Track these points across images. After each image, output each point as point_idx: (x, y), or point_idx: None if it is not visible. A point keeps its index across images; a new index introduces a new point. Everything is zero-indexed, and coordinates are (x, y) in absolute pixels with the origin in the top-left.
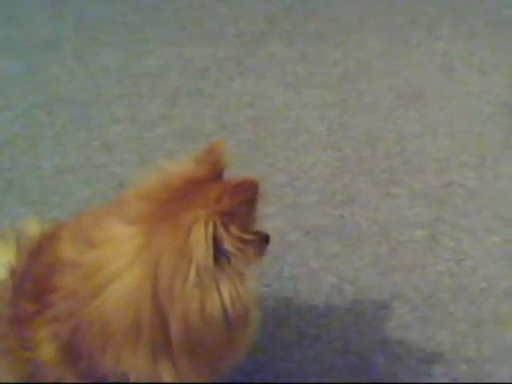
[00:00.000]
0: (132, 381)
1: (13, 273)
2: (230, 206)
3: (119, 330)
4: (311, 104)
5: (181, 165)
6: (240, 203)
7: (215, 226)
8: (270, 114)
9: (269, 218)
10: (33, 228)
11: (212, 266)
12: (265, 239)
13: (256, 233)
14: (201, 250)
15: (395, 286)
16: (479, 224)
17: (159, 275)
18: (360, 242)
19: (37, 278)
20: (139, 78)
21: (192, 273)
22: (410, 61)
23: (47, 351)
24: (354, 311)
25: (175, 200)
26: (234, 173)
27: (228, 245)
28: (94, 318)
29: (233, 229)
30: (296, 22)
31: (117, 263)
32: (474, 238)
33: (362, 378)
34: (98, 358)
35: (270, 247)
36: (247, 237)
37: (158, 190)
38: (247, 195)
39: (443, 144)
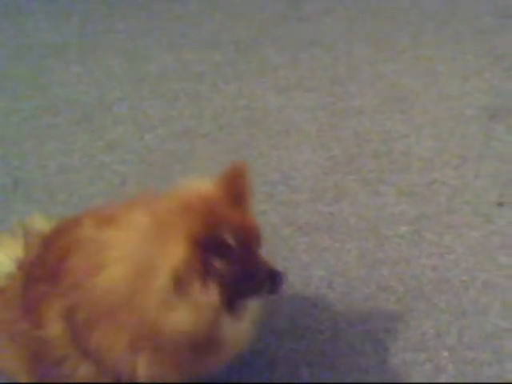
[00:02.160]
0: (109, 363)
1: (21, 265)
2: (222, 238)
3: (105, 312)
4: (303, 106)
5: (205, 183)
6: (234, 240)
7: (191, 252)
8: (264, 116)
9: (263, 214)
10: (39, 224)
11: (170, 289)
12: (269, 277)
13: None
14: (163, 271)
15: (382, 278)
16: (460, 220)
17: (139, 279)
18: (349, 237)
19: (51, 262)
20: (140, 81)
21: (154, 290)
22: (397, 66)
23: (55, 329)
24: (343, 302)
25: (185, 215)
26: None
27: (192, 273)
28: (86, 296)
29: (214, 260)
30: (288, 29)
31: (112, 254)
32: (456, 233)
33: (352, 365)
34: (88, 337)
35: (264, 241)
36: (225, 272)
37: (177, 202)
38: (244, 236)
39: (427, 145)
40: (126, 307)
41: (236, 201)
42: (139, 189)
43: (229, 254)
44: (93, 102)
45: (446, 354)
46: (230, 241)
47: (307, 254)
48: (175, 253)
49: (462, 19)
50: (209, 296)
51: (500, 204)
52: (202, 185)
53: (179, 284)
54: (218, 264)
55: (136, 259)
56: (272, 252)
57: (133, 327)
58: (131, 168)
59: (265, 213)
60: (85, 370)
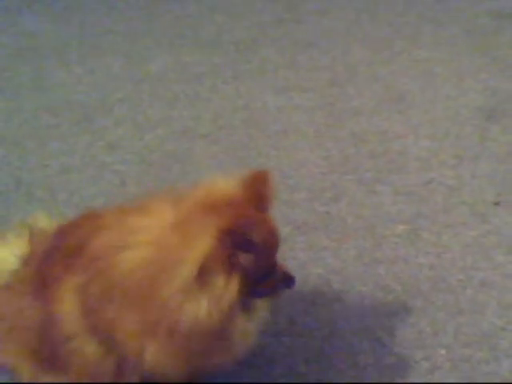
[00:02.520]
0: (117, 344)
1: (25, 262)
2: (249, 236)
3: (122, 292)
4: (301, 107)
5: (230, 184)
6: (259, 240)
7: (219, 245)
8: (263, 117)
9: None
10: (42, 222)
11: (193, 278)
12: (283, 280)
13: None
14: (186, 267)
15: (379, 277)
16: (457, 219)
17: (161, 266)
18: (346, 236)
19: (68, 248)
20: (140, 82)
21: (177, 280)
22: (394, 67)
23: (66, 304)
24: (341, 300)
25: (213, 211)
26: (231, 171)
27: (213, 263)
28: (105, 273)
29: (239, 255)
30: (287, 30)
31: (137, 237)
32: (453, 232)
33: (349, 363)
34: (102, 312)
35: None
36: (243, 265)
37: (205, 198)
38: (267, 237)
39: (424, 145)
40: (144, 289)
41: (259, 204)
42: (139, 188)
43: (253, 252)
44: (93, 103)
45: (442, 351)
46: (256, 239)
47: (305, 253)
48: (203, 244)
49: (458, 21)
50: (230, 289)
51: (496, 203)
52: (227, 184)
53: (203, 274)
54: (242, 259)
55: (161, 245)
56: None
57: (148, 311)
58: (131, 168)
59: None
60: (91, 349)
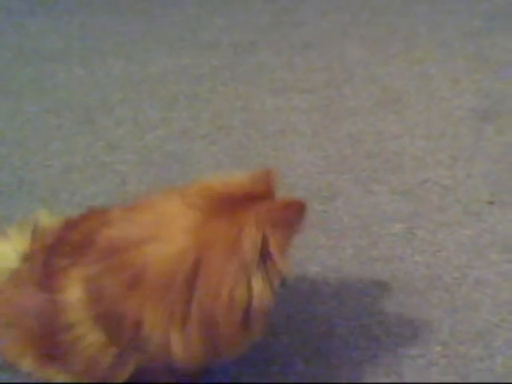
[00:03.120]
0: (143, 332)
1: (26, 258)
2: (280, 218)
3: (149, 284)
4: (298, 108)
5: (239, 178)
6: (288, 218)
7: (264, 231)
8: (261, 117)
9: None
10: (44, 219)
11: (255, 263)
12: None
13: None
14: (249, 246)
15: (375, 275)
16: (452, 218)
17: (205, 255)
18: (343, 234)
19: (77, 239)
20: (140, 83)
21: (236, 263)
22: (390, 68)
23: (72, 293)
24: (338, 298)
25: (233, 202)
26: (230, 171)
27: (272, 249)
28: (129, 264)
29: (278, 237)
30: (284, 32)
31: (166, 230)
32: (448, 231)
33: (345, 359)
34: (120, 301)
35: None
36: (286, 247)
37: (219, 191)
38: (295, 213)
39: (420, 145)
40: (177, 281)
41: (270, 195)
42: (139, 187)
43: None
44: (95, 104)
45: (438, 348)
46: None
47: (302, 251)
48: (248, 234)
49: (452, 23)
50: (279, 271)
51: (491, 202)
52: (239, 178)
53: (263, 258)
54: (280, 240)
55: (200, 236)
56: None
57: (178, 303)
58: (132, 168)
59: None
60: (93, 338)
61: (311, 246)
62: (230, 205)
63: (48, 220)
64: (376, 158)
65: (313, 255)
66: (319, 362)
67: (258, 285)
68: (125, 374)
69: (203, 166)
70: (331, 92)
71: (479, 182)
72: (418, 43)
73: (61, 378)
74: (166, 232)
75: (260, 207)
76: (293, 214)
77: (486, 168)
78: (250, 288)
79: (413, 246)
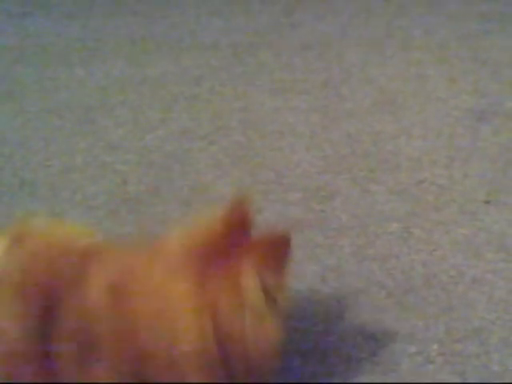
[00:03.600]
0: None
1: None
2: (270, 257)
3: (184, 366)
4: (296, 108)
5: (213, 221)
6: (278, 255)
7: (260, 273)
8: (259, 118)
9: (258, 211)
10: (39, 223)
11: (264, 306)
12: None
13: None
14: (254, 294)
15: (373, 273)
16: (448, 217)
17: (219, 318)
18: (341, 233)
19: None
20: (140, 85)
21: (248, 313)
22: (387, 70)
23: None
24: (335, 296)
25: (217, 254)
26: (229, 172)
27: (270, 288)
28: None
29: (272, 275)
30: (283, 34)
31: (172, 312)
32: (444, 230)
33: (343, 357)
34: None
35: None
36: (283, 282)
37: (197, 245)
38: (283, 248)
39: (416, 145)
40: (210, 353)
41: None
42: (139, 187)
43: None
44: (95, 105)
45: (434, 346)
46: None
47: (301, 250)
48: (248, 282)
49: (448, 25)
50: (282, 301)
51: (486, 202)
52: (213, 222)
53: (269, 298)
54: (275, 277)
55: (203, 305)
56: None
57: (218, 370)
58: (132, 168)
59: (260, 210)
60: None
61: (309, 244)
62: (218, 257)
63: (42, 223)
64: (373, 158)
65: (311, 254)
66: (317, 360)
67: (272, 323)
68: None
69: (203, 166)
70: (329, 93)
71: (475, 182)
72: (414, 45)
73: None
74: (173, 314)
75: (248, 252)
76: (281, 250)
77: (482, 168)
78: (267, 331)
79: (409, 245)
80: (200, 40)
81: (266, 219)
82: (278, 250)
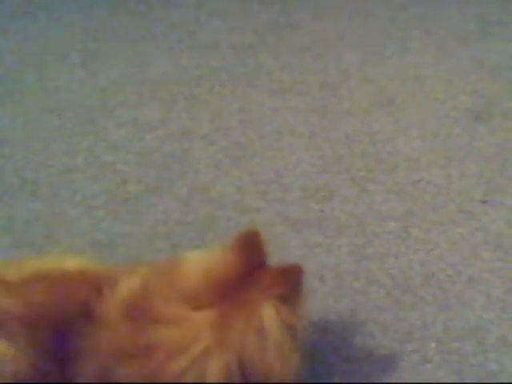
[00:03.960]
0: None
1: None
2: (284, 290)
3: None
4: (295, 109)
5: (228, 254)
6: (291, 287)
7: (279, 306)
8: (258, 118)
9: (257, 211)
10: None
11: (286, 341)
12: None
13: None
14: (276, 329)
15: (371, 272)
16: (446, 217)
17: (243, 354)
18: (339, 233)
19: None
20: (140, 85)
21: (273, 351)
22: (384, 70)
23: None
24: (334, 295)
25: (235, 285)
26: (228, 171)
27: (290, 321)
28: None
29: (289, 308)
30: (281, 35)
31: (195, 349)
32: (442, 229)
33: (341, 356)
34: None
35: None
36: (300, 313)
37: (215, 274)
38: (295, 280)
39: (414, 145)
40: None
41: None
42: (140, 187)
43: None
44: (95, 105)
45: (432, 344)
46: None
47: (299, 250)
48: (268, 319)
49: (446, 26)
50: (300, 333)
51: (483, 201)
52: (228, 255)
53: (289, 330)
54: (291, 310)
55: (224, 341)
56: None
57: None
58: (132, 167)
59: (259, 210)
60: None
61: (308, 244)
62: (237, 289)
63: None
64: (371, 158)
65: (309, 253)
66: (315, 358)
67: (294, 355)
68: None
69: (202, 166)
70: (327, 93)
71: (472, 182)
72: (412, 46)
73: None
74: (196, 346)
75: (265, 284)
76: (295, 280)
77: (479, 168)
78: (290, 361)
79: (407, 245)
80: (199, 41)
81: (264, 219)
82: (292, 281)
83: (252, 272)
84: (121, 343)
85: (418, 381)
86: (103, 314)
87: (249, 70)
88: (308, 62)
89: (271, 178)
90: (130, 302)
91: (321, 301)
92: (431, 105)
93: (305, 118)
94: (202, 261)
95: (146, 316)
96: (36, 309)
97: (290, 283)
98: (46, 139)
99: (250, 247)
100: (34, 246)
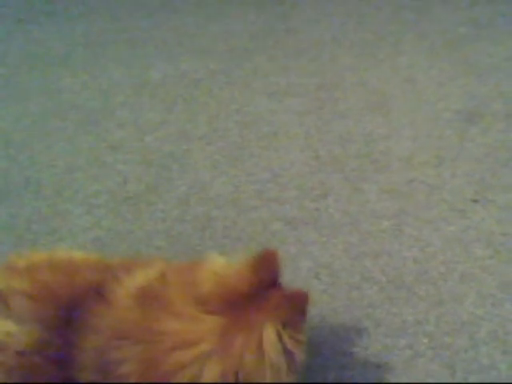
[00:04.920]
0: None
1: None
2: (288, 315)
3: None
4: (291, 111)
5: (245, 267)
6: (295, 312)
7: (282, 330)
8: (255, 120)
9: (254, 210)
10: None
11: (284, 363)
12: None
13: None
14: (275, 351)
15: (365, 269)
16: (438, 215)
17: (240, 367)
18: (334, 231)
19: None
20: (141, 87)
21: (268, 372)
22: (378, 73)
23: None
24: (329, 292)
25: (244, 302)
26: (225, 171)
27: (289, 346)
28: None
29: (291, 332)
30: (277, 39)
31: (199, 349)
32: (434, 227)
33: (336, 350)
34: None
35: (255, 235)
36: (301, 338)
37: (229, 285)
38: (300, 306)
39: (406, 145)
40: None
41: (274, 282)
42: (140, 186)
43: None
44: (97, 107)
45: (425, 340)
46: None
47: (295, 247)
48: (268, 341)
49: (438, 30)
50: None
51: (475, 200)
52: (245, 267)
53: (288, 354)
54: (294, 334)
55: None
56: (262, 245)
57: None
58: (133, 167)
59: (255, 209)
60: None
61: (303, 242)
62: (245, 306)
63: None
64: (365, 158)
65: (305, 251)
66: (310, 353)
67: (290, 379)
68: None
69: (200, 166)
70: (322, 95)
71: (464, 181)
72: (405, 49)
73: None
74: (200, 348)
75: (273, 307)
76: (300, 307)
77: (471, 167)
78: (284, 380)
79: (401, 242)
80: (198, 45)
81: (261, 217)
82: (297, 307)
83: (263, 290)
84: (127, 325)
85: (411, 375)
86: (116, 297)
87: (246, 73)
88: (304, 66)
89: (267, 177)
90: (145, 290)
91: (316, 297)
92: (423, 106)
93: (300, 119)
94: (220, 270)
95: (159, 306)
96: (42, 286)
97: (294, 309)
98: (49, 140)
99: (266, 267)
100: (38, 243)
